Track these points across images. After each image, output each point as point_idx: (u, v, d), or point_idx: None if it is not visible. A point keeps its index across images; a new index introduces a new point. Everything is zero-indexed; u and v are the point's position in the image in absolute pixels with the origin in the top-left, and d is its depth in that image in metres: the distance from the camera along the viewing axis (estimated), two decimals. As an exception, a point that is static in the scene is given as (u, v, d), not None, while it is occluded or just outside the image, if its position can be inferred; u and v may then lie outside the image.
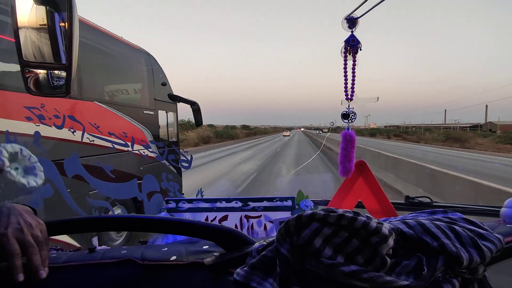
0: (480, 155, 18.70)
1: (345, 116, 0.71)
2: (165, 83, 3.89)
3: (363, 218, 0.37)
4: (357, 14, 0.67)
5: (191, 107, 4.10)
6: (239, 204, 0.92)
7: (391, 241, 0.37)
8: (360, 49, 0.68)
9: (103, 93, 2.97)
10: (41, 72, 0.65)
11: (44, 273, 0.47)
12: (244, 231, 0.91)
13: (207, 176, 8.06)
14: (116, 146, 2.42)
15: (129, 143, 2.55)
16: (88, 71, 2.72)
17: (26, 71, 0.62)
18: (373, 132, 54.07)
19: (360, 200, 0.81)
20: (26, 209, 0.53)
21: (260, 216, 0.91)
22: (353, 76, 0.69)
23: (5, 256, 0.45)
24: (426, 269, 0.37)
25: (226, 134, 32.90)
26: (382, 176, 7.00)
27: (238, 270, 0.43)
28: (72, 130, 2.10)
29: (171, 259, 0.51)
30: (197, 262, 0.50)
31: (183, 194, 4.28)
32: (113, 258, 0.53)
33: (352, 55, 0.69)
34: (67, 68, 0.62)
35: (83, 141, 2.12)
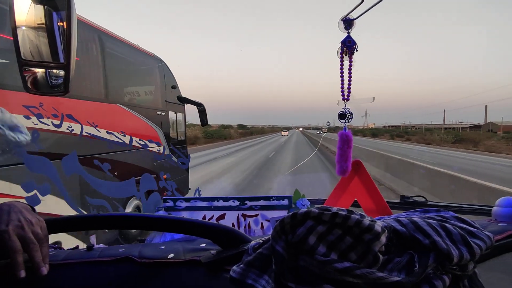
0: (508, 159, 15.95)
1: (341, 116, 0.72)
2: (174, 86, 4.27)
3: (357, 216, 0.38)
4: (353, 15, 0.68)
5: (197, 108, 4.43)
6: (236, 203, 0.93)
7: (383, 239, 0.38)
8: (356, 50, 0.69)
9: (125, 97, 3.33)
10: (39, 71, 0.65)
11: (45, 269, 0.48)
12: (241, 230, 0.92)
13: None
14: (134, 144, 2.91)
15: (145, 141, 3.16)
16: (113, 77, 3.08)
17: (25, 70, 0.62)
18: (375, 133, 53.23)
19: (356, 199, 0.82)
20: (25, 206, 0.54)
21: (257, 215, 0.92)
22: (350, 77, 0.70)
23: (6, 253, 0.46)
24: (417, 265, 0.38)
25: (217, 134, 29.25)
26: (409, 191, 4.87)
27: (234, 267, 0.44)
28: (106, 131, 2.59)
29: (168, 257, 0.52)
30: (194, 259, 0.51)
31: (189, 188, 4.39)
32: (111, 256, 0.53)
33: (348, 56, 0.69)
34: (66, 67, 0.62)
35: (110, 139, 2.59)
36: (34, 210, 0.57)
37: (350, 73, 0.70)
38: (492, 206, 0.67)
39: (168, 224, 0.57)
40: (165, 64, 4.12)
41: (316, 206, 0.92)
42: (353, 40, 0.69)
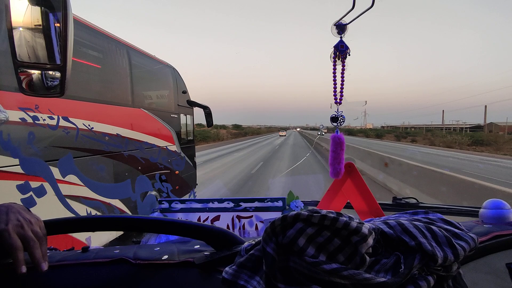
0: None
1: (334, 119, 0.73)
2: (185, 91, 4.78)
3: (345, 219, 0.39)
4: (346, 20, 0.69)
5: (203, 110, 4.99)
6: (231, 204, 0.94)
7: (370, 240, 0.39)
8: (349, 55, 0.70)
9: (146, 101, 3.82)
10: (35, 73, 0.65)
11: (45, 266, 0.48)
12: (236, 231, 0.93)
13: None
14: (154, 142, 3.56)
15: (162, 140, 3.83)
16: (137, 85, 3.58)
17: (20, 71, 0.63)
18: (379, 133, 50.59)
19: (348, 200, 0.83)
20: (23, 207, 0.54)
21: (252, 216, 0.93)
22: (342, 81, 0.71)
23: (7, 251, 0.46)
24: (403, 266, 0.39)
25: (200, 136, 24.47)
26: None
27: (226, 268, 0.45)
28: (133, 131, 3.20)
29: (163, 258, 0.53)
30: (188, 261, 0.51)
31: (197, 184, 4.83)
32: (106, 257, 0.54)
33: (341, 60, 0.71)
34: (62, 68, 0.63)
35: (136, 139, 3.21)
36: (29, 211, 0.57)
37: (342, 77, 0.71)
38: (480, 208, 0.68)
39: (163, 226, 0.58)
40: (177, 71, 4.65)
41: (311, 208, 0.93)
42: (346, 45, 0.70)
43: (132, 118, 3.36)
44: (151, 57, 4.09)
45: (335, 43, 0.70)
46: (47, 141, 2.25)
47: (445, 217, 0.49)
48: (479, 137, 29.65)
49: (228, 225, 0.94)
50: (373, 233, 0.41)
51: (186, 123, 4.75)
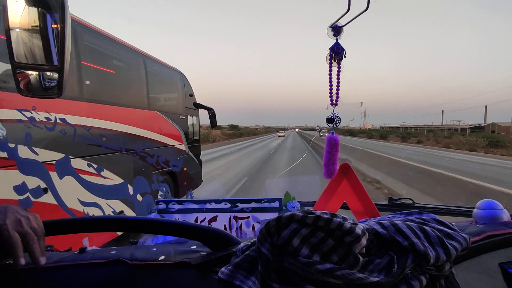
0: None
1: (330, 120, 0.74)
2: (192, 94, 5.20)
3: (339, 219, 0.40)
4: (341, 22, 0.70)
5: (208, 112, 5.40)
6: (228, 205, 0.94)
7: (364, 241, 0.40)
8: (345, 56, 0.71)
9: (159, 104, 4.20)
10: (33, 73, 0.65)
11: (43, 260, 0.49)
12: (233, 232, 0.93)
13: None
14: (166, 141, 4.06)
15: (172, 140, 4.29)
16: (152, 90, 4.01)
17: (18, 72, 0.63)
18: (383, 134, 47.37)
19: (345, 201, 0.84)
20: (20, 207, 0.55)
21: (249, 217, 0.94)
22: (338, 82, 0.72)
23: (6, 247, 0.47)
24: (396, 266, 0.40)
25: None
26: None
27: (222, 269, 0.45)
28: (145, 131, 3.62)
29: (159, 259, 0.53)
30: (184, 261, 0.52)
31: (202, 181, 5.51)
32: (103, 258, 0.54)
33: (337, 62, 0.71)
34: (59, 69, 0.63)
35: (149, 137, 3.68)
36: (27, 211, 0.57)
37: (338, 78, 0.72)
38: (473, 208, 0.69)
39: (160, 227, 0.58)
40: (185, 75, 5.05)
41: (307, 208, 0.94)
42: (341, 47, 0.71)
43: (148, 119, 3.81)
44: (162, 64, 4.52)
45: (331, 45, 0.71)
46: (91, 138, 2.79)
47: (439, 217, 0.50)
48: (493, 138, 26.14)
49: (225, 226, 0.94)
50: (367, 233, 0.41)
51: (193, 124, 5.17)
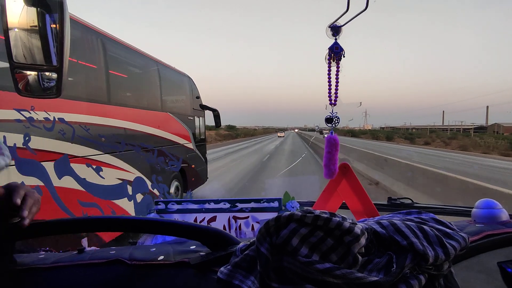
0: None
1: (328, 120, 0.74)
2: (198, 97, 5.62)
3: (338, 219, 0.40)
4: (340, 22, 0.70)
5: (213, 113, 5.84)
6: (227, 205, 0.94)
7: (363, 240, 0.40)
8: (344, 56, 0.71)
9: (170, 106, 4.61)
10: (31, 73, 0.65)
11: (27, 222, 0.54)
12: (232, 232, 0.93)
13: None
14: (176, 140, 4.54)
15: (182, 139, 4.73)
16: (165, 93, 4.48)
17: (17, 72, 0.63)
18: (390, 136, 43.99)
19: (344, 201, 0.84)
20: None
21: (248, 217, 0.94)
22: (337, 82, 0.72)
23: (19, 202, 0.54)
24: (395, 266, 0.40)
25: None
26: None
27: (222, 268, 0.45)
28: (159, 131, 4.08)
29: (158, 259, 0.53)
30: (183, 261, 0.52)
31: (207, 178, 6.01)
32: (102, 258, 0.54)
33: (336, 62, 0.71)
34: (58, 70, 0.63)
35: (163, 136, 4.14)
36: None
37: (337, 78, 0.72)
38: (472, 208, 0.69)
39: (159, 227, 0.58)
40: (192, 79, 5.47)
41: (304, 209, 0.93)
42: (340, 47, 0.71)
43: (162, 120, 4.26)
44: (172, 69, 4.97)
45: (330, 45, 0.71)
46: (117, 137, 3.24)
47: (438, 217, 0.50)
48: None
49: (224, 226, 0.94)
50: (366, 233, 0.41)
51: (199, 125, 5.60)
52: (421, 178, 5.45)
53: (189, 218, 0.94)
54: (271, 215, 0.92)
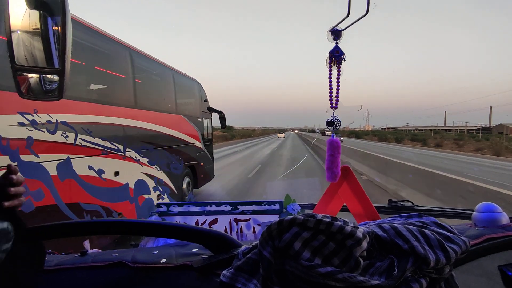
0: None
1: (330, 123, 0.74)
2: (206, 100, 6.14)
3: (340, 223, 0.40)
4: (341, 26, 0.70)
5: (219, 115, 6.35)
6: (229, 207, 0.94)
7: (364, 244, 0.40)
8: (344, 60, 0.71)
9: (182, 109, 5.06)
10: (33, 76, 0.65)
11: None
12: (234, 234, 0.93)
13: None
14: (188, 140, 5.03)
15: (193, 139, 5.23)
16: (179, 97, 4.95)
17: (19, 75, 0.63)
18: (398, 137, 41.47)
19: (345, 204, 0.84)
20: None
21: (249, 219, 0.94)
22: (338, 86, 0.73)
23: (16, 185, 0.52)
24: (396, 269, 0.40)
25: None
26: None
27: (224, 271, 0.45)
28: (174, 132, 4.59)
29: (161, 262, 0.53)
30: (186, 264, 0.52)
31: (214, 175, 6.62)
32: (105, 261, 0.54)
33: (336, 66, 0.72)
34: (60, 72, 0.63)
35: (177, 136, 4.66)
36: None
37: (338, 82, 0.72)
38: (472, 211, 0.70)
39: (161, 230, 0.58)
40: (200, 84, 5.99)
41: (307, 211, 0.94)
42: (341, 50, 0.71)
43: (176, 122, 4.75)
44: (184, 75, 5.45)
45: (331, 49, 0.71)
46: (142, 137, 3.71)
47: (438, 220, 0.50)
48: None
49: (225, 228, 0.94)
50: (367, 236, 0.41)
51: (207, 126, 6.10)
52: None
53: (191, 221, 0.94)
54: (272, 218, 0.93)
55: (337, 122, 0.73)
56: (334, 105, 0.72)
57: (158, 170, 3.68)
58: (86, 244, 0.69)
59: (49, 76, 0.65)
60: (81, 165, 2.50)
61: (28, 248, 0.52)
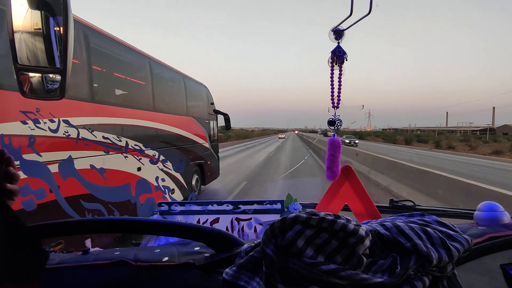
0: None
1: (331, 123, 0.74)
2: (212, 103, 6.67)
3: (342, 221, 0.40)
4: (343, 26, 0.71)
5: (224, 116, 6.87)
6: (230, 207, 0.94)
7: (367, 242, 0.40)
8: (346, 60, 0.71)
9: (192, 112, 5.55)
10: (36, 76, 0.66)
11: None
12: (235, 233, 0.93)
13: None
14: (197, 140, 5.55)
15: (201, 139, 5.74)
16: (189, 101, 5.47)
17: (21, 74, 0.63)
18: (408, 139, 39.11)
19: (346, 203, 0.84)
20: None
21: (250, 218, 0.94)
22: (339, 85, 0.73)
23: (14, 178, 0.53)
24: (399, 267, 0.40)
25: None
26: None
27: (227, 270, 0.45)
28: (186, 133, 5.09)
29: (163, 260, 0.53)
30: (188, 262, 0.52)
31: (219, 173, 7.31)
32: (107, 259, 0.54)
33: (338, 65, 0.72)
34: (62, 72, 0.63)
35: (187, 136, 5.14)
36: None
37: (340, 82, 0.73)
38: (474, 210, 0.70)
39: (163, 228, 0.59)
40: (208, 88, 6.50)
41: (309, 210, 0.94)
42: (343, 50, 0.71)
43: (187, 123, 5.23)
44: (194, 80, 5.90)
45: (333, 48, 0.72)
46: (159, 137, 4.25)
47: (440, 219, 0.50)
48: None
49: (227, 227, 0.94)
50: (370, 234, 0.42)
51: (213, 127, 6.59)
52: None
53: (192, 220, 0.94)
54: (274, 217, 0.93)
55: (339, 121, 0.74)
56: (335, 104, 0.73)
57: (172, 167, 4.18)
58: (88, 242, 0.69)
59: (51, 75, 0.66)
60: (112, 161, 3.07)
61: (29, 246, 0.52)
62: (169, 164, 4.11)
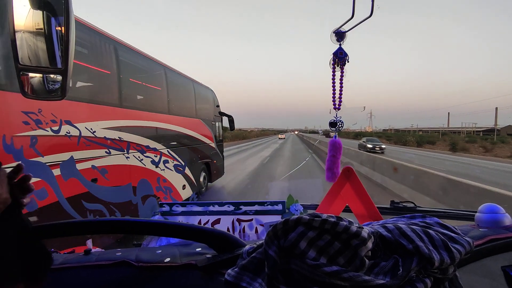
0: None
1: (332, 124, 0.74)
2: (218, 105, 7.15)
3: (345, 223, 0.40)
4: (345, 28, 0.71)
5: (228, 118, 7.37)
6: (231, 208, 0.94)
7: (369, 244, 0.40)
8: (348, 61, 0.72)
9: (200, 114, 5.99)
10: (37, 76, 0.66)
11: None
12: (236, 234, 0.93)
13: None
14: (204, 140, 5.99)
15: (208, 139, 6.23)
16: (198, 104, 5.93)
17: (22, 74, 0.63)
18: (420, 141, 35.63)
19: (347, 204, 0.84)
20: None
21: (252, 219, 0.94)
22: (341, 87, 0.73)
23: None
24: (401, 269, 0.40)
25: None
26: None
27: (229, 271, 0.45)
28: (195, 133, 5.60)
29: (165, 261, 0.53)
30: (190, 263, 0.52)
31: (224, 172, 8.04)
32: (109, 260, 0.54)
33: (340, 67, 0.72)
34: (63, 72, 0.63)
35: (196, 137, 5.65)
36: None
37: (341, 83, 0.73)
38: (475, 212, 0.70)
39: (165, 229, 0.59)
40: (213, 91, 6.98)
41: (310, 211, 0.94)
42: (345, 52, 0.71)
43: (196, 125, 5.69)
44: (201, 85, 6.34)
45: (335, 50, 0.72)
46: (173, 137, 4.68)
47: (441, 221, 0.50)
48: None
49: (228, 228, 0.94)
50: (372, 236, 0.42)
51: (219, 128, 7.07)
52: None
53: (193, 220, 0.94)
54: (275, 218, 0.93)
55: (340, 123, 0.74)
56: (337, 106, 0.73)
57: (183, 164, 4.75)
58: (89, 243, 0.69)
59: (52, 76, 0.65)
60: (137, 158, 3.54)
61: (33, 247, 0.52)
62: (181, 161, 4.65)
